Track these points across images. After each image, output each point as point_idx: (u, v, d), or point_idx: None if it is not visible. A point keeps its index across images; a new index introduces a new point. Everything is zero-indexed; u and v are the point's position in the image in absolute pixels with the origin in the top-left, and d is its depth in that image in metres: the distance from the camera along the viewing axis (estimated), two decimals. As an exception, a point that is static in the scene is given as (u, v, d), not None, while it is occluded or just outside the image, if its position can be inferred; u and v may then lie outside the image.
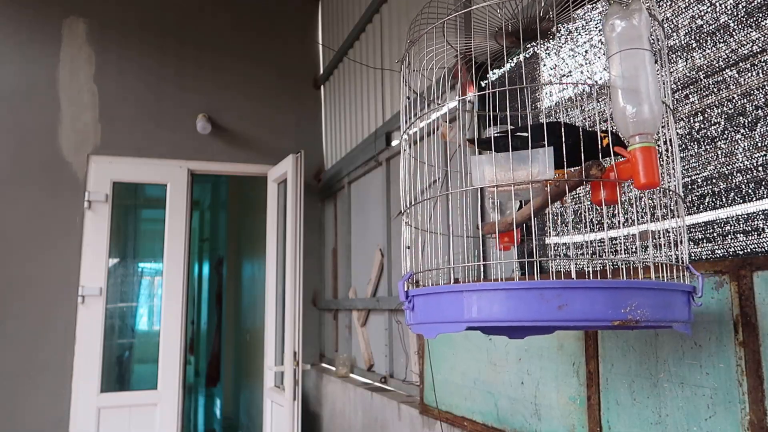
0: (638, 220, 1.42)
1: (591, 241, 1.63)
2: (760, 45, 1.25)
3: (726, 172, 1.32)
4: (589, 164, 1.05)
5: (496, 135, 1.12)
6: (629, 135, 1.02)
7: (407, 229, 1.21)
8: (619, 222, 1.54)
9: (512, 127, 1.14)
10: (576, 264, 1.59)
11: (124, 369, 4.14)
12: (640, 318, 0.92)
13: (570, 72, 1.77)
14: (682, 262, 1.08)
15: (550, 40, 1.73)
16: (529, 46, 1.80)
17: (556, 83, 1.81)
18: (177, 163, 4.12)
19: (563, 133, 1.05)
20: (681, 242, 1.09)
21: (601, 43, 1.64)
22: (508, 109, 1.53)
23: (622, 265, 1.31)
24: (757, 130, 1.25)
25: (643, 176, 0.99)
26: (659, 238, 1.22)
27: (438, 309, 1.03)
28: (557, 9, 1.25)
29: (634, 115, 1.00)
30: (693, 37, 1.41)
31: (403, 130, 1.27)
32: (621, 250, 1.54)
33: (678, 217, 1.10)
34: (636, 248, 1.48)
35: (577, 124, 1.08)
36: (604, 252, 1.58)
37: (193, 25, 4.32)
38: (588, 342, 1.50)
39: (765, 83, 1.24)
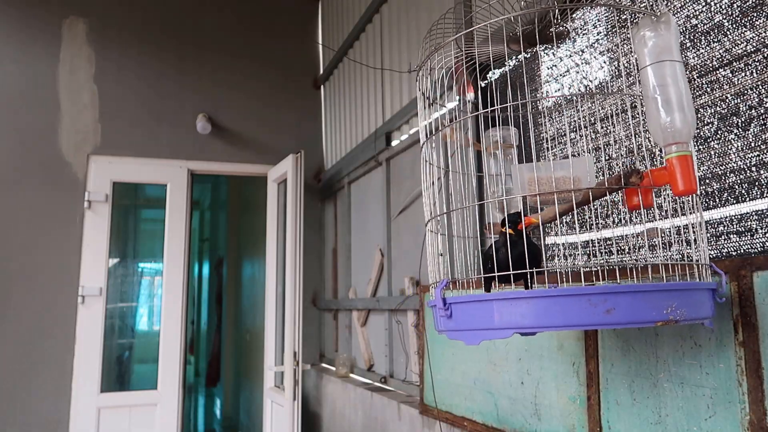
0: (656, 218, 1.42)
1: (606, 239, 1.63)
2: (754, 45, 1.25)
3: (719, 172, 1.32)
4: (629, 171, 1.08)
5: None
6: (665, 144, 1.05)
7: (437, 237, 1.21)
8: (641, 220, 1.54)
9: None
10: (597, 264, 1.59)
11: (124, 369, 4.14)
12: (679, 318, 0.96)
13: (566, 72, 1.77)
14: (705, 261, 1.11)
15: (554, 45, 1.74)
16: (531, 50, 1.81)
17: (557, 96, 1.81)
18: (177, 163, 4.12)
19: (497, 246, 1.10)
20: (702, 240, 1.11)
21: (598, 42, 1.65)
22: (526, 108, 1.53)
23: (642, 264, 1.31)
24: (751, 130, 1.25)
25: (681, 183, 1.03)
26: (681, 235, 1.22)
27: (482, 316, 1.04)
28: (561, 13, 1.25)
29: (669, 124, 1.04)
30: (687, 37, 1.40)
31: (424, 140, 1.27)
32: (629, 249, 1.54)
33: (697, 214, 1.12)
34: (636, 247, 1.48)
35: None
36: (621, 250, 1.58)
37: (193, 25, 4.32)
38: (588, 342, 1.50)
39: (759, 83, 1.24)
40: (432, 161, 1.26)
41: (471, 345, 1.07)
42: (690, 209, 1.15)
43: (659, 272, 1.13)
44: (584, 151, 1.65)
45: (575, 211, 1.14)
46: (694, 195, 1.12)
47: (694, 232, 1.14)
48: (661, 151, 1.19)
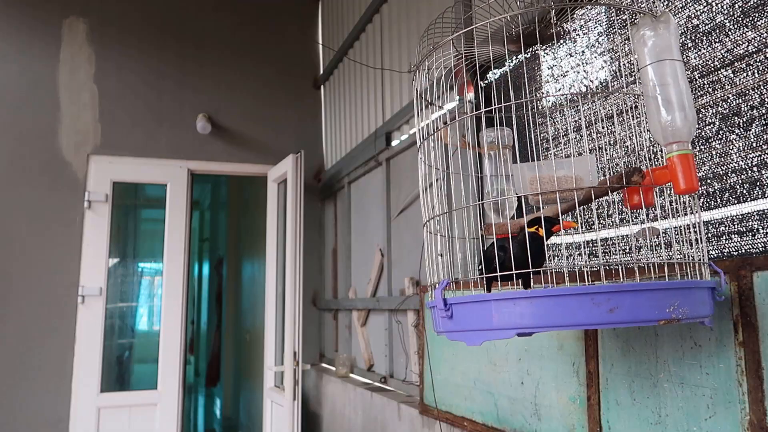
0: (657, 218, 1.42)
1: (598, 240, 1.63)
2: (755, 45, 1.25)
3: (721, 172, 1.32)
4: (630, 170, 1.09)
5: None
6: (665, 143, 1.06)
7: (436, 238, 1.21)
8: (639, 219, 1.54)
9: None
10: (592, 265, 1.59)
11: (124, 369, 4.14)
12: (681, 316, 0.96)
13: (567, 72, 1.77)
14: (705, 260, 1.11)
15: (553, 44, 1.74)
16: (531, 50, 1.80)
17: (558, 95, 1.81)
18: (177, 163, 4.12)
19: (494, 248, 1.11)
20: (701, 240, 1.11)
21: (599, 42, 1.64)
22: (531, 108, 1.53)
23: (639, 264, 1.31)
24: (752, 130, 1.25)
25: (683, 182, 1.04)
26: (679, 234, 1.22)
27: (484, 317, 1.03)
28: (558, 14, 1.25)
29: (669, 124, 1.04)
30: (689, 37, 1.41)
31: (421, 140, 1.27)
32: (619, 249, 1.54)
33: (695, 213, 1.12)
34: (636, 247, 1.48)
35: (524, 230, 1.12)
36: (617, 251, 1.58)
37: (193, 25, 4.32)
38: (588, 342, 1.50)
39: (760, 83, 1.24)
40: (429, 162, 1.26)
41: (472, 345, 1.06)
42: (689, 208, 1.15)
43: (657, 272, 1.13)
44: (585, 151, 1.65)
45: (577, 210, 1.15)
46: (693, 194, 1.12)
47: (693, 231, 1.14)
48: (661, 150, 1.19)
